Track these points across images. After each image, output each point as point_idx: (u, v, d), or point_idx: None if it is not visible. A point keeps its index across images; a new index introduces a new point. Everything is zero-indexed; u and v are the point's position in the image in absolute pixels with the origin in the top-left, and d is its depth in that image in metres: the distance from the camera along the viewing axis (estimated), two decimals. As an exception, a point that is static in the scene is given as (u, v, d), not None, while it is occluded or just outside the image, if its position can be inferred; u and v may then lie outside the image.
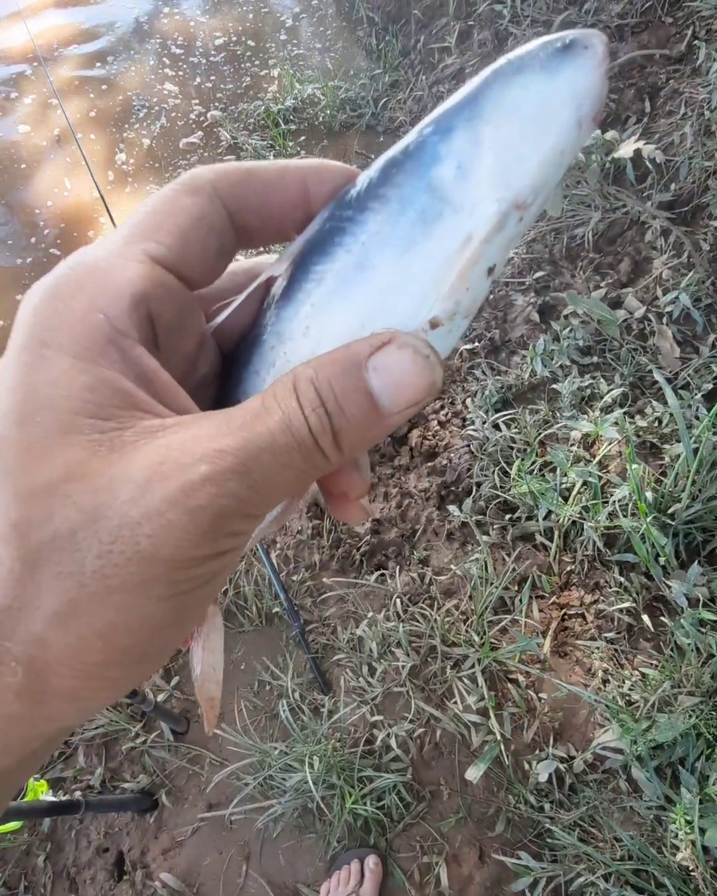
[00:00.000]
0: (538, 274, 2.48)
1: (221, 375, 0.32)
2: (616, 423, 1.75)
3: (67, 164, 3.52)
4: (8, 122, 3.78)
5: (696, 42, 2.71)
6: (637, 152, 2.18)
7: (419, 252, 0.26)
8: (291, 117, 3.50)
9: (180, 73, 3.97)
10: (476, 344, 2.30)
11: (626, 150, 1.97)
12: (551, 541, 1.75)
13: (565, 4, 3.31)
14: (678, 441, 1.72)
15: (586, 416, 1.92)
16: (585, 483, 1.77)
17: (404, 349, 0.25)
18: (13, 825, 1.31)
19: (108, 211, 2.13)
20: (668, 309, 2.08)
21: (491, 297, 2.51)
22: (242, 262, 0.33)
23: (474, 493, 1.93)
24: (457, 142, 0.26)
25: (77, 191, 3.40)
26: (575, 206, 2.48)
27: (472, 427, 2.07)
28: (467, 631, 1.66)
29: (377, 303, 0.27)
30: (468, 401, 2.14)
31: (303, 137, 3.47)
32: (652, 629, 1.55)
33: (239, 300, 0.30)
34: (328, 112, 3.46)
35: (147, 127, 3.71)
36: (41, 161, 3.58)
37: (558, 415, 1.99)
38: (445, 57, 3.39)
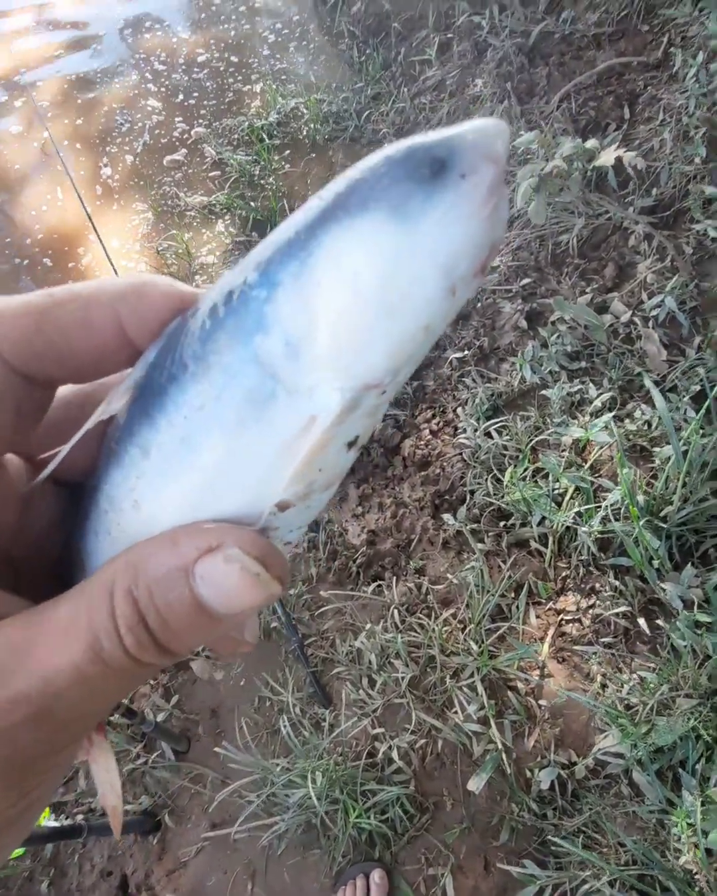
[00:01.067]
0: (525, 281, 2.50)
1: (66, 517, 0.28)
2: (606, 428, 1.76)
3: (56, 177, 3.54)
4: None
5: (672, 49, 2.75)
6: (619, 159, 2.20)
7: (252, 435, 0.22)
8: (276, 132, 3.53)
9: (163, 89, 4.00)
10: (465, 352, 2.32)
11: (607, 158, 1.99)
12: (546, 547, 1.76)
13: (542, 15, 3.36)
14: (668, 444, 1.73)
15: (576, 422, 1.93)
16: (577, 488, 1.78)
17: (231, 564, 0.22)
18: (16, 852, 1.30)
19: (94, 228, 2.15)
20: (653, 313, 2.10)
21: (478, 305, 2.53)
22: (80, 387, 0.29)
23: (467, 501, 1.94)
24: (284, 308, 0.21)
25: (66, 205, 3.42)
26: (558, 212, 2.51)
27: (464, 435, 2.08)
28: (465, 640, 1.66)
29: (209, 485, 0.23)
30: (459, 410, 2.15)
31: (287, 151, 3.50)
32: (648, 632, 1.56)
33: (65, 451, 0.25)
34: (312, 125, 3.49)
35: (130, 143, 3.73)
36: (29, 175, 3.59)
37: (548, 421, 2.00)
38: (426, 69, 3.43)
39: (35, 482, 0.27)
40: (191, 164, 3.56)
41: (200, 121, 3.75)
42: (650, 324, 2.12)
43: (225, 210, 3.26)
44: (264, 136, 3.48)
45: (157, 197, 3.40)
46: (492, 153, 0.20)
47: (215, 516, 0.23)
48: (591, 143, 2.22)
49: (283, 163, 3.43)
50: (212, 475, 0.23)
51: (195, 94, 3.93)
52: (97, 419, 0.25)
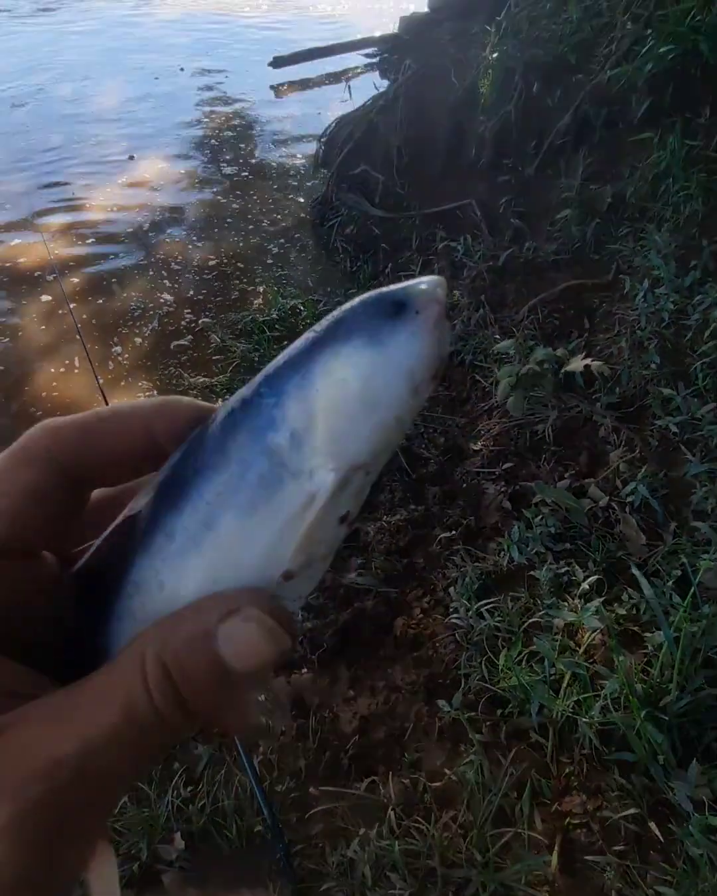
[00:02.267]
0: (507, 465, 2.68)
1: (84, 616, 0.31)
2: (597, 613, 1.80)
3: (71, 353, 3.83)
4: (21, 315, 4.16)
5: (621, 275, 3.24)
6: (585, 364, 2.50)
7: (264, 513, 0.27)
8: (276, 325, 3.94)
9: (176, 286, 4.50)
10: (453, 532, 2.41)
11: (576, 365, 2.27)
12: (547, 739, 1.70)
13: (509, 243, 3.97)
14: (659, 629, 1.77)
15: (566, 604, 1.97)
16: (574, 675, 1.77)
17: (249, 622, 0.25)
18: None
19: (104, 399, 2.29)
20: (629, 499, 2.25)
21: (464, 486, 2.68)
22: (107, 489, 0.33)
23: (462, 685, 1.90)
24: (290, 410, 0.26)
25: (78, 382, 3.66)
26: (534, 405, 2.76)
27: (455, 615, 2.10)
28: (467, 848, 1.54)
29: (227, 560, 0.27)
30: (450, 589, 2.18)
31: (285, 342, 3.87)
32: (661, 839, 1.47)
33: (97, 544, 0.30)
34: (308, 323, 3.91)
35: (139, 328, 4.10)
36: (49, 350, 3.89)
37: (538, 602, 2.04)
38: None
39: (71, 572, 0.31)
40: (196, 348, 3.90)
41: (207, 314, 4.17)
42: (627, 509, 2.25)
43: (226, 391, 3.51)
44: (265, 328, 3.88)
45: (162, 377, 3.68)
46: (437, 297, 0.27)
47: (233, 589, 0.27)
48: (560, 351, 2.54)
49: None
50: (229, 552, 0.27)
51: (204, 291, 4.42)
52: (126, 515, 0.30)
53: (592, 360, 2.32)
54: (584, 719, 1.66)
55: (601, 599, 1.88)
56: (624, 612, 1.88)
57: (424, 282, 0.28)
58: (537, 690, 1.76)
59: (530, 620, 1.98)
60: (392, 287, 0.28)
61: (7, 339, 4.05)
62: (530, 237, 3.85)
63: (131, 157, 6.19)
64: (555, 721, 1.71)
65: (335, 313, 0.28)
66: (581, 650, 1.83)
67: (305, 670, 2.07)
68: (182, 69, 8.20)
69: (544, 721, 1.73)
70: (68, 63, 8.25)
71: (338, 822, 1.68)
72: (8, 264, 4.67)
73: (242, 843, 1.67)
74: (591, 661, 1.81)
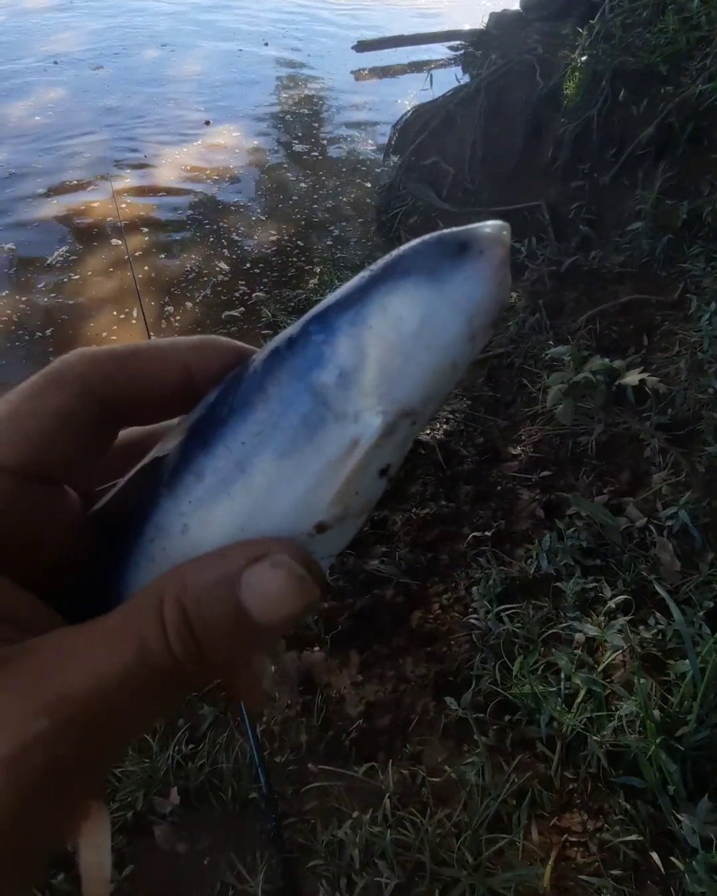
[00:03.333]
0: (544, 472, 2.64)
1: (102, 567, 0.30)
2: (622, 632, 1.76)
3: (126, 310, 3.87)
4: (86, 267, 4.21)
5: (688, 294, 3.15)
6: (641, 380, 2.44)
7: (302, 457, 0.25)
8: (328, 307, 3.92)
9: (234, 256, 4.50)
10: (484, 532, 2.38)
11: (632, 379, 2.21)
12: (553, 752, 1.67)
13: (574, 250, 3.90)
14: (684, 658, 1.72)
15: (589, 620, 1.94)
16: (589, 691, 1.73)
17: (278, 569, 0.24)
18: None
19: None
20: (668, 523, 2.19)
21: (499, 488, 2.64)
22: (134, 430, 0.32)
23: (473, 686, 1.88)
24: (340, 347, 0.25)
25: (130, 337, 3.70)
26: (580, 416, 2.71)
27: (474, 616, 2.07)
28: (459, 848, 1.52)
29: (257, 506, 0.26)
30: (473, 589, 2.16)
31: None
32: (662, 870, 1.43)
33: (120, 484, 0.29)
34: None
35: (193, 293, 4.12)
36: (106, 303, 3.93)
37: (561, 614, 2.00)
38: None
39: (93, 510, 0.29)
40: (247, 320, 3.90)
41: (261, 288, 4.17)
42: (665, 533, 2.20)
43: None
44: (318, 307, 3.86)
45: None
46: (501, 239, 0.26)
47: (261, 536, 0.26)
48: (617, 362, 2.48)
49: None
50: (261, 497, 0.26)
51: (261, 265, 4.42)
52: (153, 455, 0.28)
53: (648, 376, 2.27)
54: (594, 737, 1.63)
55: (627, 619, 1.84)
56: (649, 636, 1.84)
57: (488, 225, 0.26)
58: (549, 702, 1.73)
59: (551, 631, 1.94)
60: (455, 229, 0.26)
61: (69, 290, 4.10)
62: (598, 246, 3.77)
63: (208, 123, 6.23)
64: (564, 735, 1.68)
65: (395, 252, 0.26)
66: (600, 668, 1.79)
67: (316, 649, 2.06)
68: (266, 44, 8.19)
69: (553, 734, 1.70)
70: (154, 30, 8.28)
71: (332, 801, 1.67)
72: (79, 218, 4.73)
73: (236, 807, 1.68)
74: (609, 679, 1.78)
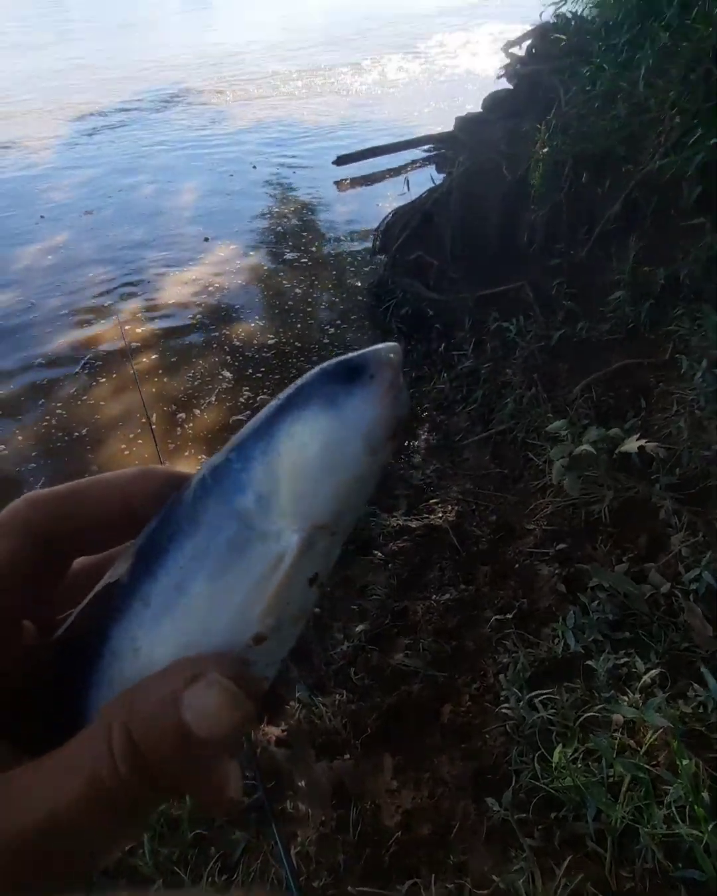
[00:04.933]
0: (561, 545, 2.61)
1: (63, 683, 0.31)
2: (660, 710, 1.69)
3: (137, 428, 4.03)
4: (96, 389, 4.43)
5: (678, 355, 3.22)
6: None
7: (233, 576, 0.27)
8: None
9: (237, 363, 4.71)
10: (506, 615, 2.33)
11: (631, 446, 2.23)
12: (605, 848, 1.57)
13: (561, 323, 4.03)
14: (728, 732, 1.64)
15: (625, 698, 1.86)
16: (634, 778, 1.64)
17: (212, 687, 0.25)
18: None
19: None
20: (693, 586, 2.14)
21: (516, 566, 2.61)
22: (89, 558, 0.34)
23: (513, 783, 1.79)
24: (256, 474, 0.28)
25: (142, 453, 3.83)
26: (589, 485, 2.71)
27: (506, 705, 2.00)
28: None
29: (199, 624, 0.28)
30: (501, 676, 2.10)
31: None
32: None
33: (77, 612, 0.31)
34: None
35: (200, 403, 4.29)
36: (116, 423, 4.10)
37: (596, 694, 1.93)
38: (463, 360, 4.02)
39: (52, 639, 0.31)
40: (254, 423, 4.03)
41: (266, 391, 4.34)
42: (691, 597, 2.14)
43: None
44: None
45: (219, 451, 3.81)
46: (390, 361, 0.29)
47: (203, 653, 0.28)
48: (614, 431, 2.51)
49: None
50: (201, 616, 0.28)
51: (263, 369, 4.61)
52: (105, 582, 0.30)
53: (646, 442, 2.29)
54: (645, 829, 1.53)
55: (665, 695, 1.77)
56: (690, 711, 1.76)
57: (379, 347, 0.29)
58: (593, 793, 1.64)
59: (587, 715, 1.86)
60: (349, 354, 0.29)
61: (82, 413, 4.30)
62: (584, 317, 3.90)
63: (206, 239, 6.72)
64: (614, 828, 1.58)
65: (298, 381, 0.29)
66: (643, 750, 1.70)
67: (347, 756, 1.99)
68: (254, 167, 8.90)
69: (602, 828, 1.60)
70: (149, 167, 9.08)
71: (377, 930, 1.56)
72: (88, 346, 5.02)
73: (275, 946, 1.57)
74: (653, 763, 1.68)
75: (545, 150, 4.94)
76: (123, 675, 0.29)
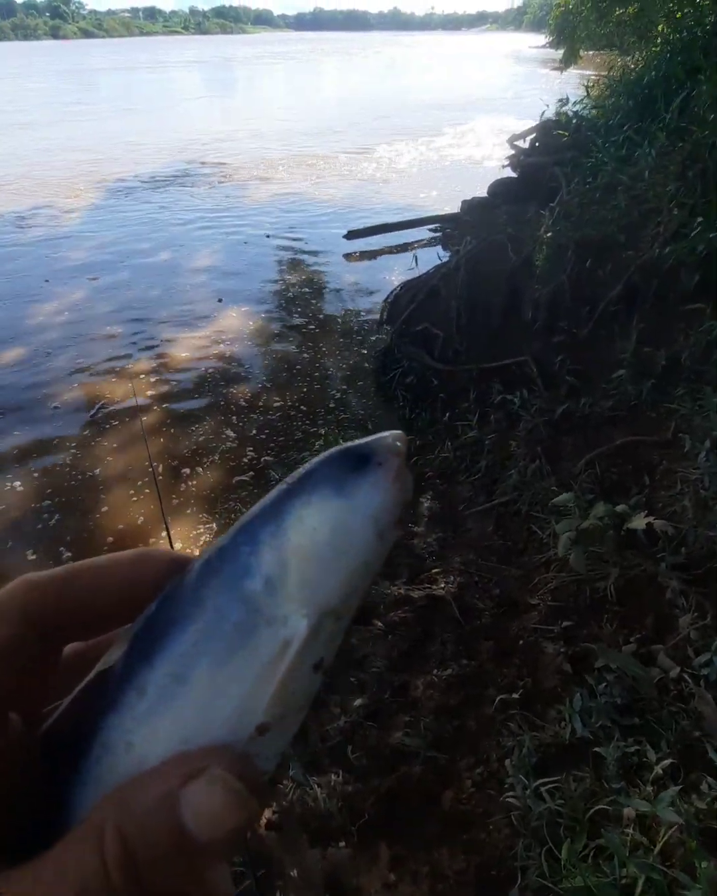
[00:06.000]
0: (566, 623, 2.56)
1: (49, 780, 0.30)
2: (673, 806, 1.61)
3: (141, 485, 4.01)
4: (102, 445, 4.44)
5: (680, 434, 3.26)
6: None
7: (238, 662, 0.26)
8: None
9: (242, 424, 4.75)
10: (511, 695, 2.26)
11: (639, 523, 2.23)
12: (620, 962, 1.46)
13: (564, 397, 4.10)
14: (747, 832, 1.56)
15: (637, 790, 1.78)
16: (648, 879, 1.54)
17: (214, 784, 0.24)
18: None
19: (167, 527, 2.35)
20: (703, 671, 2.08)
21: (521, 643, 2.55)
22: (77, 647, 0.32)
23: (519, 881, 1.68)
24: (265, 557, 0.27)
25: (146, 510, 3.80)
26: (594, 561, 2.68)
27: (511, 793, 1.90)
28: None
29: (199, 716, 0.26)
30: (506, 761, 2.01)
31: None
32: None
33: (67, 703, 0.30)
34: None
35: (204, 463, 4.30)
36: (120, 479, 4.08)
37: (605, 784, 1.84)
38: (466, 430, 4.06)
39: (40, 731, 0.29)
40: (256, 484, 4.02)
41: (269, 452, 4.36)
42: (701, 683, 2.08)
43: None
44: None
45: (223, 510, 3.78)
46: (396, 449, 0.29)
47: (201, 747, 0.26)
48: (621, 507, 2.51)
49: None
50: (202, 706, 0.26)
51: (267, 431, 4.65)
52: (98, 670, 0.29)
53: (654, 519, 2.29)
54: (664, 940, 1.43)
55: (678, 788, 1.69)
56: (705, 807, 1.68)
57: (385, 436, 0.30)
58: (606, 894, 1.54)
59: (597, 807, 1.77)
60: (356, 442, 0.30)
61: (85, 465, 4.30)
62: (586, 393, 3.97)
63: (220, 300, 6.95)
64: (629, 939, 1.47)
65: (306, 466, 0.30)
66: (656, 849, 1.61)
67: (342, 843, 1.88)
68: (268, 236, 9.28)
69: (617, 938, 1.49)
70: (165, 237, 9.47)
71: None
72: (98, 401, 5.07)
73: None
74: (668, 863, 1.59)
75: (549, 234, 5.18)
76: (113, 772, 0.27)
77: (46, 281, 7.57)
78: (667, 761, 1.83)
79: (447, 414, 4.32)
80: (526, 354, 4.48)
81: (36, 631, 0.28)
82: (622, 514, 2.45)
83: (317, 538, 0.27)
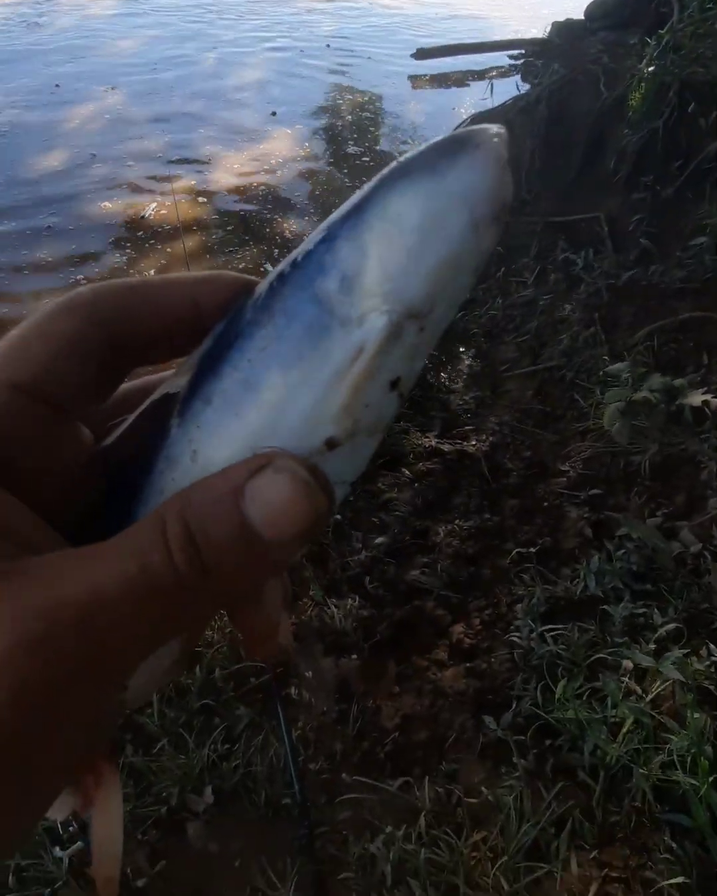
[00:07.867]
0: (594, 491, 2.57)
1: (111, 503, 0.29)
2: (677, 663, 1.70)
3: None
4: (139, 267, 4.30)
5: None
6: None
7: (308, 368, 0.24)
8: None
9: (281, 255, 4.52)
10: (529, 549, 2.33)
11: (695, 399, 2.14)
12: (596, 782, 1.62)
13: (633, 263, 3.81)
14: (739, 693, 1.65)
15: (638, 647, 1.87)
16: (637, 722, 1.67)
17: (281, 473, 0.23)
18: None
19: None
20: (725, 550, 2.11)
21: (545, 504, 2.58)
22: (142, 380, 0.32)
23: (513, 707, 1.84)
24: (341, 252, 0.25)
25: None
26: (635, 435, 2.63)
27: (516, 634, 2.02)
28: (495, 874, 1.48)
29: (266, 424, 0.25)
30: (516, 606, 2.11)
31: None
32: (709, 915, 1.37)
33: (131, 419, 0.28)
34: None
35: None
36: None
37: (609, 638, 1.94)
38: (520, 288, 3.83)
39: (103, 444, 0.29)
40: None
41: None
42: (720, 560, 2.12)
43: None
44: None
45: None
46: (499, 134, 0.25)
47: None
48: (679, 381, 2.40)
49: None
50: (269, 413, 0.25)
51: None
52: (163, 391, 0.28)
53: (713, 397, 2.19)
54: (641, 770, 1.57)
55: (681, 650, 1.77)
56: (702, 669, 1.77)
57: (487, 125, 0.26)
58: (593, 729, 1.68)
59: (597, 656, 1.88)
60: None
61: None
62: (658, 260, 3.67)
63: (274, 114, 6.37)
64: (608, 765, 1.63)
65: (393, 163, 0.26)
66: (648, 698, 1.73)
67: (354, 656, 2.04)
68: (328, 46, 8.25)
69: (596, 763, 1.65)
70: (215, 37, 8.42)
71: (366, 814, 1.65)
72: (136, 215, 4.82)
73: (269, 812, 1.66)
74: (658, 711, 1.71)
75: (651, 68, 4.51)
76: (176, 484, 0.26)
77: (112, 88, 6.89)
78: (672, 625, 1.91)
79: (502, 269, 4.06)
80: (600, 211, 4.10)
81: (104, 329, 0.26)
82: (676, 389, 2.36)
83: (403, 225, 0.24)
